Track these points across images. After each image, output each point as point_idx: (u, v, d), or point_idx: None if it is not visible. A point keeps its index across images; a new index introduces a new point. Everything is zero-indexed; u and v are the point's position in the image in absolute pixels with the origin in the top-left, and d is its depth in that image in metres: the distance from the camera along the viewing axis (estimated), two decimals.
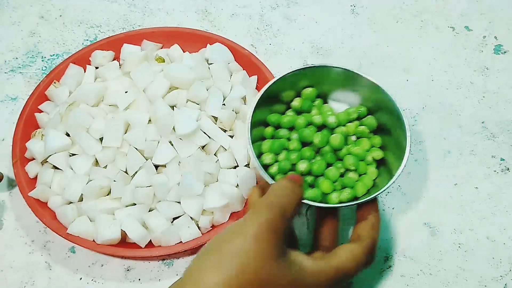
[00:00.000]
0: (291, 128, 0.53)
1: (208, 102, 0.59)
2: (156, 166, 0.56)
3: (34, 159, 0.58)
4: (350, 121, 0.53)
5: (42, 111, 0.62)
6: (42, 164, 0.57)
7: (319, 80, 0.54)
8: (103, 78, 0.62)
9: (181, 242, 0.54)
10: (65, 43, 0.72)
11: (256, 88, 0.64)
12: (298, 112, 0.54)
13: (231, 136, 0.59)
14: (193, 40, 0.67)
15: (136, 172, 0.55)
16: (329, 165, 0.51)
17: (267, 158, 0.50)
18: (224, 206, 0.54)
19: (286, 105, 0.54)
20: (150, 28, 0.68)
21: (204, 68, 0.62)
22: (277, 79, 0.51)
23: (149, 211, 0.55)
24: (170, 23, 0.73)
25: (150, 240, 0.54)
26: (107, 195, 0.55)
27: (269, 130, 0.53)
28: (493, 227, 0.58)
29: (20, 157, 0.58)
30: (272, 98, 0.53)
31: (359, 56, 0.71)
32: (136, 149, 0.55)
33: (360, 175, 0.52)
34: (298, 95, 0.54)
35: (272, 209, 0.41)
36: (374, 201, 0.48)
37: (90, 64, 0.65)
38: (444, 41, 0.72)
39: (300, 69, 0.52)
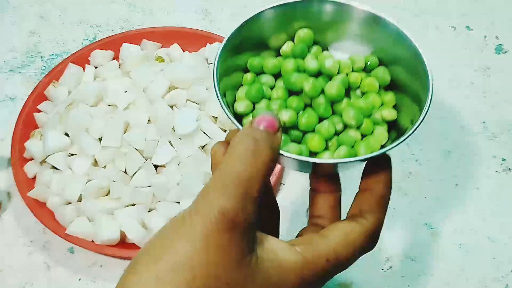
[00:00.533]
0: (278, 76, 0.41)
1: (208, 102, 0.59)
2: (156, 167, 0.56)
3: (32, 159, 0.58)
4: (354, 71, 0.41)
5: (41, 111, 0.61)
6: (41, 164, 0.57)
7: (318, 22, 0.41)
8: (103, 77, 0.62)
9: None
10: (64, 43, 0.72)
11: None
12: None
13: None
14: (193, 39, 0.66)
15: (135, 172, 0.55)
16: (322, 119, 0.38)
17: (241, 105, 0.38)
18: None
19: (277, 53, 0.42)
20: (149, 28, 0.68)
21: (204, 67, 0.62)
22: (258, 13, 0.39)
23: (148, 211, 0.55)
24: (170, 23, 0.73)
25: None
26: (107, 195, 0.55)
27: (248, 76, 0.40)
28: (494, 228, 0.57)
29: (19, 157, 0.58)
30: (257, 42, 0.41)
31: None
32: (136, 149, 0.55)
33: (363, 136, 0.39)
34: (292, 39, 0.42)
35: (224, 193, 0.29)
36: (384, 164, 0.36)
37: (89, 64, 0.64)
38: (445, 41, 0.72)
39: (290, 2, 0.40)
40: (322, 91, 0.38)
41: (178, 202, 0.55)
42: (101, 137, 0.56)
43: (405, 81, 0.40)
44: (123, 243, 0.54)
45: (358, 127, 0.38)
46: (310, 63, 0.39)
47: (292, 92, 0.39)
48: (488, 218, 0.58)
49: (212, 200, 0.29)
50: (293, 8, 0.40)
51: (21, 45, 0.72)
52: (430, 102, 0.36)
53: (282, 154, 0.33)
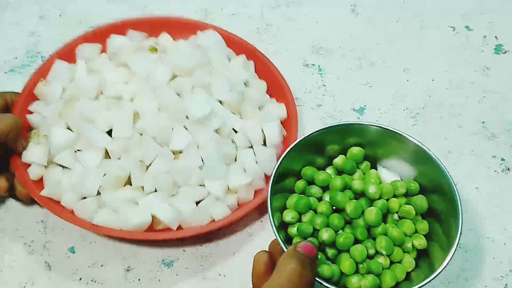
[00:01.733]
0: (326, 188, 0.47)
1: (214, 87, 0.59)
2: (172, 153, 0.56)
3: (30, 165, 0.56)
4: (395, 196, 0.46)
5: (33, 112, 0.59)
6: (46, 167, 0.56)
7: (371, 140, 0.47)
8: (97, 71, 0.61)
9: (213, 220, 0.53)
10: (64, 43, 0.72)
11: (255, 72, 0.64)
12: (340, 172, 0.49)
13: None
14: (180, 28, 0.66)
15: (153, 161, 0.54)
16: (358, 241, 0.44)
17: (289, 215, 0.45)
18: (248, 183, 0.54)
19: (329, 161, 0.49)
20: (134, 18, 0.67)
21: (204, 54, 0.62)
22: (321, 130, 0.47)
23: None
24: None
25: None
26: (124, 186, 0.55)
27: (300, 184, 0.47)
28: (494, 227, 0.58)
29: (19, 162, 0.56)
30: (314, 148, 0.48)
31: (359, 56, 0.71)
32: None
33: (392, 263, 0.44)
34: (345, 152, 0.49)
35: None
36: None
37: (76, 59, 0.63)
38: (445, 41, 0.72)
39: (349, 124, 0.47)
40: (363, 212, 0.44)
41: (200, 186, 0.55)
42: (110, 130, 0.56)
43: (440, 211, 0.45)
44: (151, 230, 0.53)
45: (388, 255, 0.43)
46: (356, 184, 0.45)
47: (335, 208, 0.45)
48: (488, 218, 0.58)
49: None
50: (351, 127, 0.47)
51: (21, 45, 0.72)
52: (459, 238, 0.42)
53: (317, 281, 0.40)
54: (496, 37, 0.73)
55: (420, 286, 0.40)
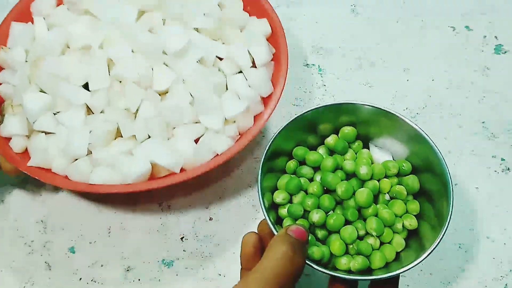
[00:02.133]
0: (317, 169, 0.47)
1: (187, 16, 0.54)
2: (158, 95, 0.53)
3: (11, 137, 0.52)
4: (387, 176, 0.46)
5: (0, 83, 0.55)
6: (28, 136, 0.53)
7: (364, 119, 0.47)
8: (58, 24, 0.56)
9: (217, 155, 0.50)
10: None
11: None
12: (332, 151, 0.48)
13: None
14: None
15: (139, 106, 0.51)
16: (348, 222, 0.44)
17: (279, 196, 0.45)
18: (246, 110, 0.51)
19: (321, 140, 0.49)
20: None
21: None
22: (313, 109, 0.46)
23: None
24: None
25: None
26: (114, 139, 0.52)
27: (291, 164, 0.47)
28: (494, 227, 0.58)
29: None
30: (306, 127, 0.47)
31: (359, 56, 0.71)
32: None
33: (382, 243, 0.44)
34: (337, 131, 0.48)
35: (269, 286, 0.36)
36: (392, 281, 0.42)
37: (32, 17, 0.58)
38: (445, 41, 0.72)
39: (342, 103, 0.47)
40: (354, 193, 0.44)
41: (195, 123, 0.52)
42: (86, 84, 0.52)
43: (432, 191, 0.44)
44: (152, 178, 0.50)
45: (378, 236, 0.44)
46: (347, 164, 0.45)
47: (326, 188, 0.45)
48: (488, 218, 0.58)
49: None
50: (342, 106, 0.46)
51: None
52: (450, 218, 0.42)
53: (307, 263, 0.40)
54: (496, 37, 0.73)
55: (411, 266, 0.41)
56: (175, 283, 0.54)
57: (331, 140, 0.48)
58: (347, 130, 0.48)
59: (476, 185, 0.60)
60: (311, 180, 0.47)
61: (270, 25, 0.57)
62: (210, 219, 0.58)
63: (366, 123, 0.47)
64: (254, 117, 0.53)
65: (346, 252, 0.44)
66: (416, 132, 0.45)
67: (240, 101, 0.52)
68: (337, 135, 0.48)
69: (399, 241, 0.44)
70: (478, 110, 0.66)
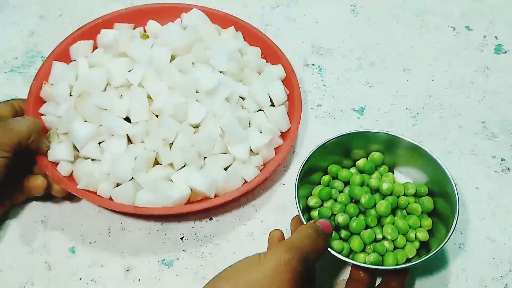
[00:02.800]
0: (347, 184, 0.55)
1: (212, 60, 0.61)
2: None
3: (58, 163, 0.57)
4: (405, 195, 0.53)
5: (44, 115, 0.60)
6: (73, 162, 0.57)
7: (391, 149, 0.55)
8: (98, 65, 0.62)
9: (246, 182, 0.56)
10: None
11: (245, 40, 0.67)
12: (361, 171, 0.56)
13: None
14: (164, 13, 0.68)
15: (175, 138, 0.57)
16: (368, 227, 0.52)
17: (313, 200, 0.53)
18: (268, 142, 0.58)
19: (353, 163, 0.57)
20: (118, 11, 0.68)
21: (194, 31, 0.64)
22: (347, 134, 0.54)
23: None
24: None
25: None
26: (152, 167, 0.57)
27: (326, 178, 0.55)
28: (494, 227, 0.58)
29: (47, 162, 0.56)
30: (341, 151, 0.56)
31: (359, 56, 0.71)
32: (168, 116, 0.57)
33: (395, 248, 0.51)
34: (367, 157, 0.56)
35: (292, 250, 0.42)
36: (402, 272, 0.49)
37: (71, 58, 0.65)
38: (445, 41, 0.72)
39: (375, 132, 0.55)
40: (375, 205, 0.52)
41: (223, 153, 0.58)
42: (126, 117, 0.58)
43: (444, 213, 0.52)
44: (189, 202, 0.56)
45: (392, 241, 0.51)
46: (372, 181, 0.53)
47: (353, 199, 0.53)
48: (488, 218, 0.58)
49: (281, 251, 0.42)
50: (374, 135, 0.55)
51: (21, 45, 0.72)
52: (452, 233, 0.48)
53: (330, 251, 0.48)
54: (496, 37, 0.73)
55: (411, 264, 0.48)
56: (175, 283, 0.54)
57: (361, 162, 0.56)
58: (376, 155, 0.55)
59: (476, 185, 0.60)
60: (340, 192, 0.54)
61: (284, 70, 0.64)
62: (210, 219, 0.58)
63: (393, 152, 0.55)
64: (275, 149, 0.60)
65: (363, 251, 0.51)
66: (437, 164, 0.52)
67: (263, 134, 0.59)
68: (367, 159, 0.56)
69: (410, 248, 0.51)
70: (478, 110, 0.66)
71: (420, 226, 0.52)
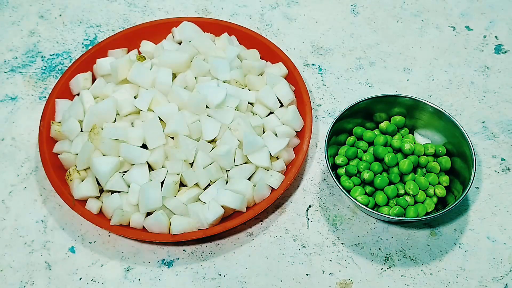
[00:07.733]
0: (371, 144, 0.59)
1: (214, 70, 0.61)
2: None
3: (87, 200, 0.56)
4: (426, 155, 0.58)
5: (59, 154, 0.59)
6: (98, 198, 0.56)
7: (412, 112, 0.59)
8: (102, 95, 0.61)
9: (273, 189, 0.56)
10: (65, 43, 0.72)
11: (241, 44, 0.67)
12: (383, 133, 0.60)
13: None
14: (155, 31, 0.68)
15: (195, 157, 0.56)
16: (391, 183, 0.56)
17: (339, 159, 0.58)
18: (287, 145, 0.58)
19: (376, 126, 0.61)
20: (109, 38, 0.67)
21: (190, 45, 0.63)
22: (370, 98, 0.58)
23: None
24: None
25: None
26: (178, 191, 0.56)
27: (351, 139, 0.60)
28: (494, 227, 0.58)
29: (73, 202, 0.56)
30: (364, 114, 0.59)
31: (359, 56, 0.71)
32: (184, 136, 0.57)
33: (416, 203, 0.56)
34: (390, 120, 0.60)
35: None
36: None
37: (72, 94, 0.63)
38: (445, 40, 0.72)
39: (395, 96, 0.58)
40: (397, 163, 0.56)
41: (244, 163, 0.57)
42: (142, 144, 0.57)
43: (460, 170, 0.56)
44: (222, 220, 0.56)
45: (413, 196, 0.56)
46: (395, 142, 0.58)
47: (377, 158, 0.57)
48: (488, 218, 0.58)
49: None
50: (396, 99, 0.59)
51: (21, 45, 0.72)
52: (467, 192, 0.53)
53: (359, 204, 0.53)
54: (496, 37, 0.73)
55: (430, 217, 0.53)
56: (175, 283, 0.54)
57: (384, 125, 0.60)
58: (398, 118, 0.60)
59: (476, 185, 0.60)
60: (365, 151, 0.59)
61: (285, 66, 0.64)
62: None
63: (414, 115, 0.59)
64: (293, 149, 0.60)
65: (387, 204, 0.55)
66: (455, 125, 0.56)
67: (280, 138, 0.58)
68: (389, 122, 0.60)
69: (430, 203, 0.56)
70: (478, 110, 0.66)
71: (439, 183, 0.57)
